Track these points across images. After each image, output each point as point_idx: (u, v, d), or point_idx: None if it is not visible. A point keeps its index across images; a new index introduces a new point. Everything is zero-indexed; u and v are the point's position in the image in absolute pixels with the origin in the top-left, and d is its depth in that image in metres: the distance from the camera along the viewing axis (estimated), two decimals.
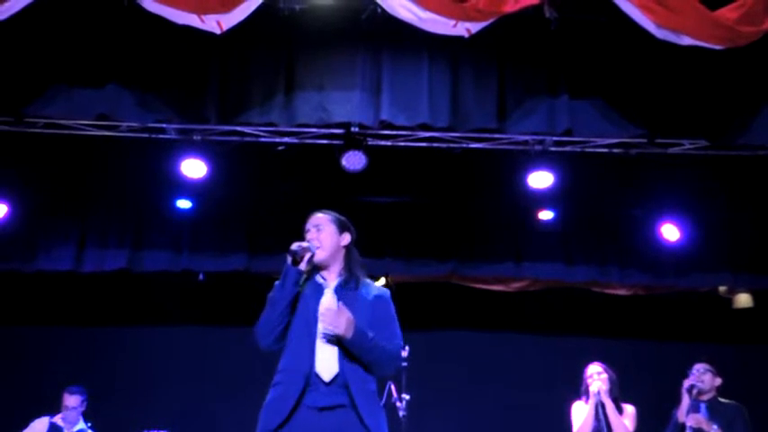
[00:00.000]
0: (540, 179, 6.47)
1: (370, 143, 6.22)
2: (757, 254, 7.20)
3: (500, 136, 6.19)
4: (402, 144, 6.42)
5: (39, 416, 6.40)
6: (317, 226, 3.48)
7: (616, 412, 5.34)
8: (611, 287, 7.79)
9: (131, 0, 5.00)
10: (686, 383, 5.44)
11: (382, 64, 5.71)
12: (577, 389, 5.60)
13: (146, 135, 6.32)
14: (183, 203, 6.95)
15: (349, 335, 3.20)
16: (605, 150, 6.45)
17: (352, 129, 6.04)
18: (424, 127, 5.78)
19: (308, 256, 3.38)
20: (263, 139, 6.40)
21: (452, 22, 5.07)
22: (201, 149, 6.32)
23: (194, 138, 6.30)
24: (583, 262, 7.30)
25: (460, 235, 7.30)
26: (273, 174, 6.98)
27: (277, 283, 3.38)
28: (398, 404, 5.90)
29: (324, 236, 3.46)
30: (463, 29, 5.13)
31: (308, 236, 3.47)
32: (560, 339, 8.07)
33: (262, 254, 7.02)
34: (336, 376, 3.23)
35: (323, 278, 3.47)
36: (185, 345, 7.95)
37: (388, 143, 6.38)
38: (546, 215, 7.03)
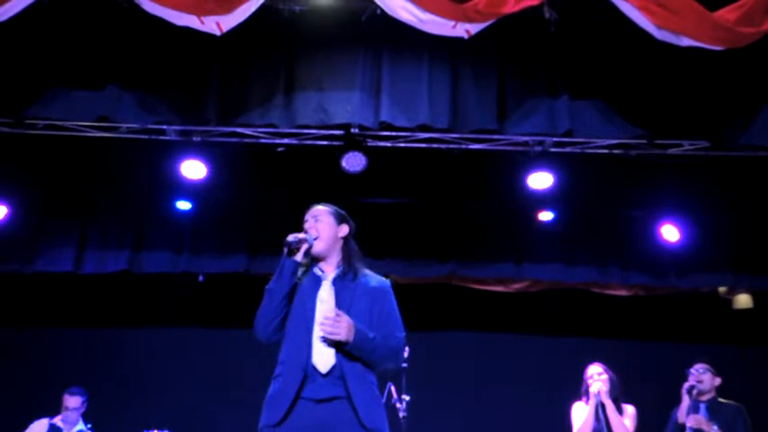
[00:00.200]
0: (540, 180, 6.47)
1: (369, 144, 6.23)
2: (757, 254, 7.20)
3: (500, 137, 6.19)
4: (402, 145, 6.42)
5: (38, 417, 6.40)
6: (315, 217, 3.50)
7: (616, 413, 5.34)
8: (611, 288, 7.79)
9: (131, 2, 5.01)
10: (686, 384, 5.44)
11: (382, 65, 5.71)
12: (578, 389, 5.60)
13: (146, 136, 6.32)
14: (183, 205, 6.95)
15: (351, 339, 3.21)
16: (605, 151, 6.44)
17: (352, 130, 6.04)
18: (424, 128, 5.78)
19: (304, 246, 3.40)
20: (262, 141, 6.40)
21: (452, 24, 5.07)
22: (201, 151, 6.32)
23: (194, 139, 6.30)
24: (583, 263, 7.29)
25: (460, 236, 7.30)
26: (273, 175, 6.98)
27: (275, 274, 3.40)
28: (398, 405, 5.91)
29: (321, 226, 3.48)
30: (463, 30, 5.13)
31: (306, 226, 3.48)
32: (560, 340, 8.07)
33: (262, 255, 7.03)
34: (333, 368, 3.24)
35: (321, 270, 3.48)
36: (185, 346, 7.96)
37: (388, 144, 6.38)
38: (546, 216, 7.03)
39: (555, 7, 5.29)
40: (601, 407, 5.38)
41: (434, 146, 6.44)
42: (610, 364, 5.59)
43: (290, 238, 3.37)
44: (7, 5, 4.87)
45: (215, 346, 7.85)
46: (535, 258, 7.27)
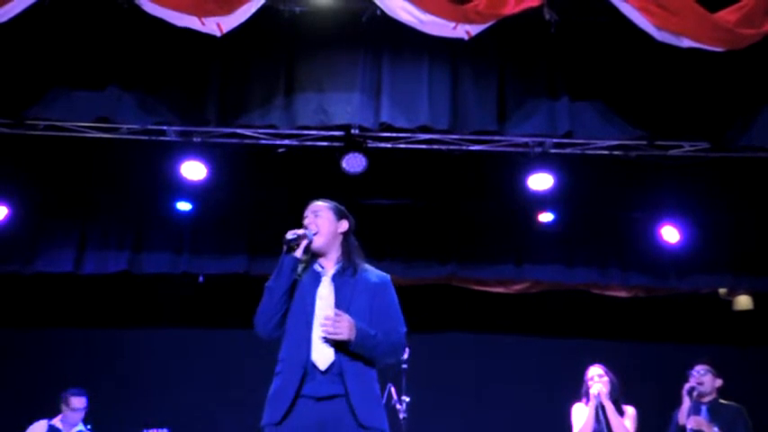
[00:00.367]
0: (540, 181, 6.47)
1: (370, 145, 6.23)
2: (757, 256, 7.20)
3: (500, 138, 6.19)
4: (402, 146, 6.41)
5: (37, 419, 6.39)
6: (314, 212, 3.51)
7: (616, 414, 5.34)
8: (611, 289, 7.79)
9: (131, 2, 5.01)
10: (687, 385, 5.44)
11: (382, 66, 5.71)
12: (578, 391, 5.60)
13: (146, 137, 6.32)
14: (184, 206, 6.95)
15: (352, 338, 3.21)
16: (605, 152, 6.44)
17: (353, 131, 6.04)
18: (425, 129, 5.78)
19: (304, 242, 3.40)
20: (263, 142, 6.40)
21: (452, 25, 5.07)
22: (202, 152, 6.32)
23: (194, 140, 6.30)
24: (583, 264, 7.30)
25: (460, 237, 7.30)
26: (273, 176, 6.98)
27: (274, 271, 3.40)
28: (399, 406, 5.91)
29: (321, 222, 3.48)
30: (463, 31, 5.13)
31: (306, 221, 3.48)
32: (561, 341, 8.06)
33: (262, 256, 7.02)
34: (332, 365, 3.24)
35: (321, 266, 3.48)
36: (185, 346, 7.95)
37: (388, 145, 6.38)
38: (546, 217, 7.02)
39: (555, 8, 5.29)
40: (601, 408, 5.37)
41: (435, 147, 6.44)
42: (610, 366, 5.59)
43: (289, 235, 3.38)
44: (8, 6, 4.87)
45: (215, 346, 7.85)
46: (535, 259, 7.28)
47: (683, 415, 5.40)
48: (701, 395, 5.42)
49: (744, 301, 8.02)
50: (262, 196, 7.10)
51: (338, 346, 3.25)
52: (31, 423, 6.38)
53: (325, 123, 5.76)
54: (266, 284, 3.43)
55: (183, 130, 6.20)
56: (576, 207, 7.07)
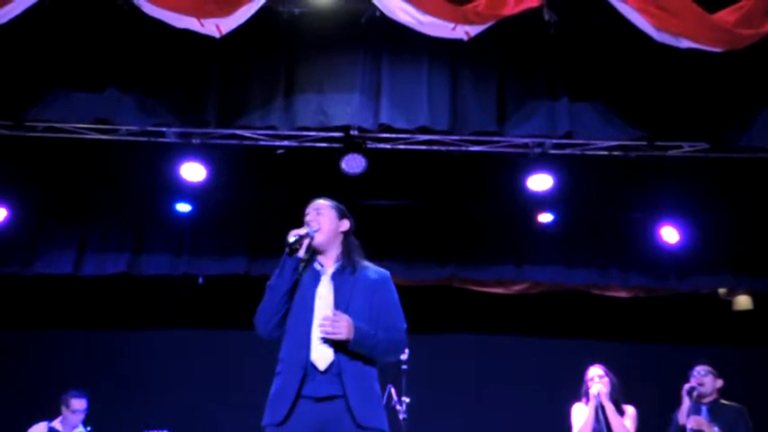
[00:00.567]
0: (540, 182, 6.47)
1: (369, 146, 6.22)
2: (757, 256, 7.20)
3: (500, 139, 6.19)
4: (402, 147, 6.42)
5: (37, 421, 6.39)
6: (317, 209, 3.52)
7: (616, 414, 5.34)
8: (611, 290, 7.79)
9: (130, 4, 5.01)
10: (687, 386, 5.44)
11: (382, 67, 5.71)
12: (578, 391, 5.60)
13: (145, 139, 6.32)
14: (183, 207, 6.95)
15: (351, 337, 3.21)
16: (605, 153, 6.44)
17: (352, 132, 6.04)
18: (424, 130, 5.78)
19: (306, 242, 3.40)
20: (262, 143, 6.40)
21: (451, 26, 5.07)
22: (201, 153, 6.32)
23: (194, 141, 6.29)
24: (583, 264, 7.29)
25: (460, 238, 7.29)
26: (273, 177, 6.98)
27: (276, 270, 3.40)
28: (399, 407, 5.91)
29: (323, 219, 3.49)
30: (462, 32, 5.13)
31: (308, 218, 3.48)
32: (560, 342, 8.06)
33: (261, 257, 7.02)
34: (331, 365, 3.25)
35: (320, 265, 3.48)
36: (185, 347, 7.95)
37: (388, 146, 6.38)
38: (546, 218, 7.02)
39: (554, 9, 5.29)
40: (601, 408, 5.38)
41: (434, 148, 6.44)
42: (610, 366, 5.60)
43: (291, 237, 3.38)
44: (7, 8, 4.87)
45: (215, 347, 7.84)
46: (535, 260, 7.27)
47: (683, 415, 5.40)
48: (701, 396, 5.42)
49: (743, 302, 8.02)
50: (261, 197, 7.09)
51: (337, 345, 3.25)
52: (31, 425, 6.38)
53: (325, 124, 5.77)
54: (268, 283, 3.43)
55: (183, 131, 6.20)
56: (576, 208, 7.07)
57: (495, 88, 5.76)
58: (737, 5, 5.04)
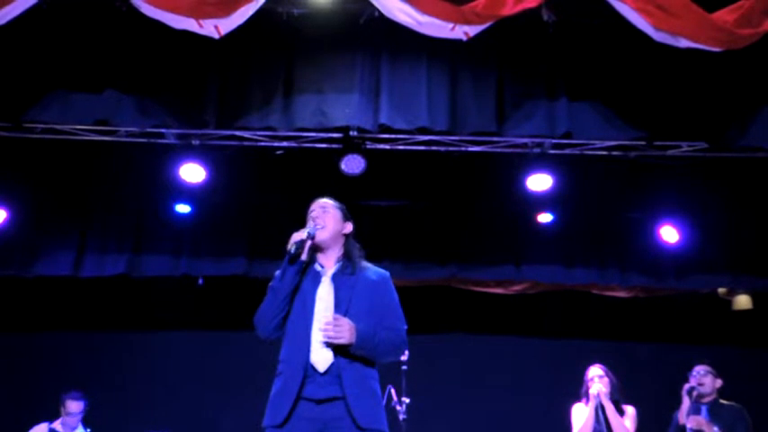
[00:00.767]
0: (539, 182, 6.47)
1: (368, 147, 6.23)
2: (757, 256, 7.19)
3: (499, 139, 6.19)
4: (401, 147, 6.42)
5: (38, 422, 6.39)
6: (323, 207, 3.52)
7: (616, 414, 5.35)
8: (610, 289, 7.79)
9: (129, 5, 5.01)
10: (686, 386, 5.44)
11: (381, 68, 5.71)
12: (578, 391, 5.60)
13: (144, 140, 6.33)
14: (183, 208, 6.94)
15: (353, 341, 3.21)
16: (604, 153, 6.45)
17: (351, 132, 6.04)
18: (423, 130, 5.78)
19: (307, 245, 3.40)
20: (261, 144, 6.40)
21: (450, 26, 5.07)
22: (200, 154, 6.32)
23: (193, 142, 6.30)
24: (582, 264, 7.28)
25: (460, 238, 7.29)
26: (272, 178, 6.98)
27: (277, 273, 3.40)
28: (398, 408, 5.91)
29: (329, 218, 3.50)
30: (461, 32, 5.13)
31: (313, 214, 3.48)
32: (560, 342, 8.06)
33: (261, 258, 7.01)
34: (331, 366, 3.24)
35: (321, 266, 3.48)
36: (185, 349, 7.95)
37: (387, 147, 6.39)
38: (545, 218, 7.02)
39: (553, 9, 5.30)
40: (601, 408, 5.38)
41: (433, 148, 6.45)
42: (610, 366, 5.60)
43: (292, 243, 3.36)
44: (6, 9, 4.87)
45: (215, 348, 7.84)
46: (534, 260, 7.26)
47: (682, 415, 5.40)
48: (701, 396, 5.42)
49: (743, 301, 8.02)
50: (261, 198, 7.09)
51: (337, 347, 3.24)
52: (32, 425, 6.38)
53: (324, 125, 5.77)
54: (270, 285, 3.43)
55: (182, 132, 6.20)
56: (575, 208, 7.06)
57: (494, 88, 5.76)
58: (737, 5, 5.03)
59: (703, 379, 5.46)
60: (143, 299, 7.90)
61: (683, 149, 6.36)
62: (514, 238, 7.28)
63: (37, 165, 6.77)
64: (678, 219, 7.09)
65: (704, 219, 7.14)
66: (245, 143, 6.38)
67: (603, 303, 7.96)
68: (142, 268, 7.06)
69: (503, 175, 6.79)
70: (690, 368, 5.57)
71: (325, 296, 3.37)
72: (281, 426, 3.20)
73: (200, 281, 7.48)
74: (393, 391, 5.89)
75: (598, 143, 6.30)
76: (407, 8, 4.99)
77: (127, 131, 6.21)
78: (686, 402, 5.39)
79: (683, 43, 5.07)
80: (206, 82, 5.72)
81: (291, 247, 3.35)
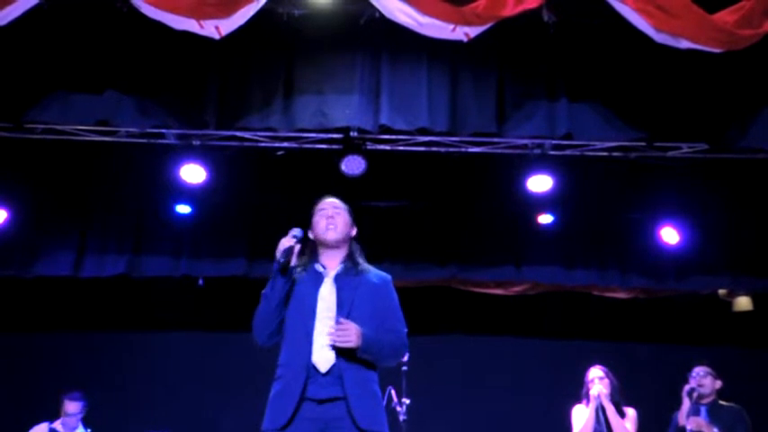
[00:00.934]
0: (540, 183, 6.47)
1: (369, 147, 6.23)
2: (757, 257, 7.19)
3: (499, 140, 6.19)
4: (401, 148, 6.42)
5: (38, 422, 6.39)
6: (336, 208, 3.53)
7: (617, 415, 5.34)
8: (611, 291, 7.79)
9: (130, 6, 5.01)
10: (686, 387, 5.44)
11: (381, 68, 5.71)
12: (578, 392, 5.60)
13: (145, 140, 6.33)
14: (183, 209, 6.94)
15: (360, 344, 3.21)
16: (605, 154, 6.45)
17: (352, 133, 6.04)
18: (424, 131, 5.78)
19: (296, 249, 3.39)
20: (262, 144, 6.40)
21: (451, 27, 5.07)
22: (201, 155, 6.32)
23: (193, 143, 6.30)
24: (582, 265, 7.28)
25: (460, 239, 7.29)
26: (273, 179, 6.98)
27: (270, 280, 3.40)
28: (399, 408, 5.90)
29: (340, 219, 3.50)
30: (462, 33, 5.13)
31: (326, 213, 3.48)
32: (561, 343, 8.06)
33: (261, 259, 7.01)
34: (333, 367, 3.24)
35: (323, 266, 3.47)
36: (185, 350, 7.95)
37: (388, 147, 6.39)
38: (545, 219, 7.02)
39: (554, 10, 5.30)
40: (601, 409, 5.38)
41: (434, 149, 6.45)
42: (610, 367, 5.59)
43: (280, 252, 3.36)
44: (7, 10, 4.87)
45: (215, 349, 7.84)
46: (535, 261, 7.27)
47: (682, 416, 5.40)
48: (701, 397, 5.42)
49: (743, 302, 8.02)
50: (261, 199, 7.09)
51: (339, 348, 3.24)
52: (32, 426, 6.38)
53: (325, 126, 5.77)
54: (263, 292, 3.42)
55: (182, 133, 6.20)
56: (576, 209, 7.06)
57: (494, 89, 5.76)
58: (737, 6, 5.04)
59: (703, 380, 5.46)
60: (143, 299, 7.90)
61: (684, 150, 6.36)
62: (515, 239, 7.28)
63: (37, 165, 6.77)
64: (678, 220, 7.09)
65: (704, 220, 7.14)
66: (246, 144, 6.38)
67: (604, 304, 7.96)
68: (142, 269, 7.06)
69: (503, 176, 6.79)
70: (690, 369, 5.58)
71: (327, 296, 3.36)
72: (284, 428, 3.19)
73: (201, 281, 7.48)
74: (393, 392, 5.89)
75: (598, 144, 6.30)
76: (408, 9, 4.99)
77: (127, 132, 6.21)
78: (686, 403, 5.39)
79: (684, 44, 5.07)
80: (206, 82, 5.72)
81: (281, 255, 3.35)
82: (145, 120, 5.75)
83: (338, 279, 3.42)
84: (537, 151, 6.36)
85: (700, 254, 7.15)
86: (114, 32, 5.57)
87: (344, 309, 3.32)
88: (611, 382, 5.47)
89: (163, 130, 6.12)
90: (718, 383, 5.54)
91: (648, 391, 6.57)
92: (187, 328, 8.05)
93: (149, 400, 7.63)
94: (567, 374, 6.04)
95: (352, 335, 3.20)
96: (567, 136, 5.78)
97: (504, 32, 5.42)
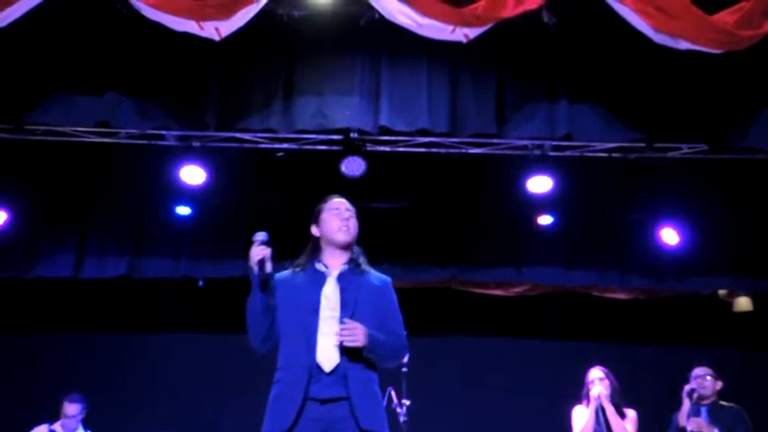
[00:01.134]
0: (540, 184, 6.47)
1: (369, 149, 6.23)
2: (757, 257, 7.19)
3: (499, 141, 6.19)
4: (401, 149, 6.42)
5: (38, 423, 6.39)
6: (350, 211, 3.53)
7: (617, 416, 5.34)
8: (611, 291, 7.79)
9: (130, 7, 5.01)
10: (687, 387, 5.44)
11: (381, 70, 5.72)
12: (578, 393, 5.60)
13: (145, 142, 6.33)
14: (183, 210, 6.95)
15: (367, 344, 3.21)
16: (604, 155, 6.45)
17: (352, 134, 6.04)
18: (424, 132, 5.79)
19: (268, 255, 3.38)
20: (262, 146, 6.40)
21: (451, 28, 5.07)
22: (201, 156, 6.33)
23: (193, 144, 6.30)
24: (582, 266, 7.29)
25: (460, 240, 7.29)
26: (273, 180, 6.98)
27: (252, 292, 3.40)
28: (399, 410, 5.90)
29: (353, 223, 3.50)
30: (461, 34, 5.13)
31: (339, 214, 3.48)
32: (561, 344, 8.06)
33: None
34: (337, 366, 3.23)
35: (325, 266, 3.46)
36: (185, 351, 7.94)
37: (388, 149, 6.39)
38: (545, 220, 7.02)
39: (553, 11, 5.30)
40: (601, 410, 5.38)
41: (434, 150, 6.45)
42: (610, 368, 5.59)
43: (255, 265, 3.36)
44: (7, 11, 4.87)
45: (215, 350, 7.83)
46: (535, 262, 7.27)
47: (683, 417, 5.40)
48: (701, 398, 5.42)
49: (743, 303, 8.02)
50: (261, 200, 7.08)
51: (345, 349, 3.23)
52: (32, 427, 6.38)
53: (325, 127, 5.77)
54: (247, 301, 3.41)
55: (183, 134, 6.20)
56: (576, 209, 7.07)
57: (494, 90, 5.76)
58: (737, 6, 5.04)
59: (704, 381, 5.46)
60: (143, 301, 7.90)
61: (683, 151, 6.36)
62: (515, 240, 7.28)
63: (37, 166, 6.77)
64: (678, 220, 7.09)
65: (704, 220, 7.15)
66: (246, 145, 6.38)
67: (604, 305, 7.96)
68: (142, 270, 7.06)
69: (503, 177, 6.79)
70: (690, 370, 5.58)
71: (330, 295, 3.35)
72: (287, 431, 3.17)
73: (201, 283, 7.48)
74: (393, 392, 5.89)
75: (598, 145, 6.30)
76: (408, 10, 5.00)
77: (127, 133, 6.21)
78: (686, 404, 5.39)
79: (683, 45, 5.07)
80: (206, 84, 5.72)
81: (257, 268, 3.34)
82: (145, 121, 5.75)
83: (341, 279, 3.41)
84: (537, 152, 6.36)
85: (700, 254, 7.16)
86: (114, 34, 5.58)
87: (348, 309, 3.30)
88: (612, 383, 5.47)
89: (163, 132, 6.12)
90: (719, 384, 5.54)
91: (648, 391, 6.57)
92: (187, 329, 8.04)
93: (149, 402, 7.63)
94: (566, 375, 6.04)
95: (359, 334, 3.19)
96: (567, 137, 5.78)
97: (504, 33, 5.42)
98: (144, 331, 8.00)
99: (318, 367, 3.22)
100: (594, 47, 5.76)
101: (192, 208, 6.95)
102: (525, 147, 6.36)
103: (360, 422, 3.17)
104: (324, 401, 3.19)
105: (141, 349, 7.91)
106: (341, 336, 3.20)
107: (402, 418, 5.91)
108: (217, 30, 5.07)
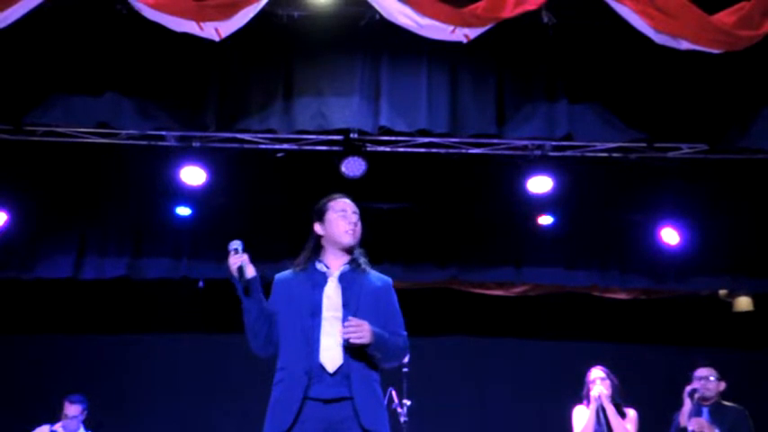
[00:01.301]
0: (540, 184, 6.47)
1: (369, 149, 6.23)
2: (757, 257, 7.19)
3: (499, 141, 6.19)
4: (401, 150, 6.42)
5: (39, 424, 6.40)
6: (356, 213, 3.53)
7: (617, 416, 5.34)
8: (611, 291, 7.79)
9: (130, 8, 5.01)
10: (688, 387, 5.43)
11: (381, 70, 5.71)
12: (579, 393, 5.60)
13: (145, 142, 6.33)
14: (183, 210, 6.95)
15: (372, 341, 3.20)
16: (605, 155, 6.45)
17: (352, 135, 6.05)
18: (424, 133, 5.78)
19: (246, 261, 3.43)
20: (262, 146, 6.40)
21: (450, 28, 5.07)
22: (201, 156, 6.33)
23: (193, 145, 6.30)
24: (583, 266, 7.29)
25: (460, 240, 7.29)
26: (273, 180, 6.98)
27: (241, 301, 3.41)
28: (399, 410, 5.91)
29: (359, 226, 3.51)
30: (461, 35, 5.13)
31: (347, 216, 3.47)
32: (561, 344, 8.06)
33: (261, 260, 6.92)
34: (340, 367, 3.22)
35: (326, 266, 3.45)
36: (185, 352, 7.95)
37: (388, 149, 6.39)
38: (546, 220, 7.03)
39: (553, 11, 5.30)
40: (602, 410, 5.38)
41: (434, 150, 6.45)
42: (611, 368, 5.59)
43: (235, 274, 3.39)
44: (8, 12, 4.87)
45: (215, 351, 7.83)
46: (535, 262, 7.27)
47: (683, 416, 5.39)
48: (703, 398, 5.41)
49: (744, 303, 8.03)
50: (261, 200, 7.09)
51: (348, 348, 3.22)
52: (33, 428, 6.39)
53: (324, 127, 5.76)
54: (242, 305, 3.41)
55: (183, 135, 6.21)
56: (576, 210, 7.07)
57: (494, 91, 5.75)
58: (737, 6, 5.04)
59: (707, 383, 5.45)
60: (143, 301, 7.90)
61: (684, 151, 6.36)
62: (515, 241, 7.29)
63: (38, 167, 6.77)
64: (678, 220, 7.09)
65: (705, 220, 7.15)
66: (246, 145, 6.38)
67: (604, 305, 7.97)
68: (142, 270, 7.06)
69: (503, 178, 6.79)
70: (690, 370, 5.57)
71: (332, 295, 3.34)
72: (288, 431, 3.15)
73: (201, 283, 7.48)
74: (394, 393, 5.89)
75: (598, 145, 6.30)
76: (408, 11, 4.99)
77: (127, 134, 6.21)
78: (687, 404, 5.38)
79: (684, 45, 5.07)
80: (206, 84, 5.72)
81: (237, 276, 3.37)
82: (145, 122, 5.74)
83: (342, 279, 3.40)
84: (537, 152, 6.36)
85: (700, 254, 7.16)
86: (114, 35, 5.57)
87: (351, 308, 3.30)
88: (612, 383, 5.47)
89: (163, 132, 6.12)
90: (722, 385, 5.53)
91: (649, 391, 6.57)
92: (188, 329, 8.04)
93: (150, 402, 7.63)
94: (567, 375, 6.04)
95: (365, 331, 3.18)
96: (567, 137, 5.78)
97: (504, 34, 5.41)
98: (144, 332, 8.00)
99: (321, 368, 3.21)
100: (594, 47, 5.75)
101: (192, 208, 6.95)
102: (525, 147, 6.36)
103: (362, 422, 3.16)
104: (327, 402, 3.18)
105: (141, 350, 7.91)
106: (347, 332, 3.18)
107: (403, 419, 5.92)
108: (217, 30, 5.07)
